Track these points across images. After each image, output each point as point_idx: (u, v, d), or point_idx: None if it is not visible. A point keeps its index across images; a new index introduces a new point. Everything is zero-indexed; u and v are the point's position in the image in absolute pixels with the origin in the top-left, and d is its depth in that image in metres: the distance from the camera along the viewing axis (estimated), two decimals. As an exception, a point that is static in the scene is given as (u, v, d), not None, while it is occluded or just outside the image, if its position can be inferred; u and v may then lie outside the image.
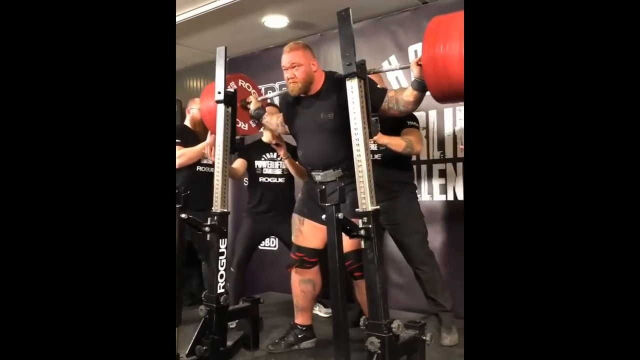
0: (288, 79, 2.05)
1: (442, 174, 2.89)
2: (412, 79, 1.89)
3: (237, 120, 2.47)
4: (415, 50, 3.00)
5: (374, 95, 1.95)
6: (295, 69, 2.02)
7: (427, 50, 1.65)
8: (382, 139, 2.11)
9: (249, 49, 3.80)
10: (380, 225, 1.66)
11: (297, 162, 2.68)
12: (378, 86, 2.00)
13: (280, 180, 2.81)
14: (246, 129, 2.58)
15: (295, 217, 2.23)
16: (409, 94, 1.90)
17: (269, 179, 2.80)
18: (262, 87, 3.77)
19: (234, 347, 2.22)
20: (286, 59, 2.05)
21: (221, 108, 2.20)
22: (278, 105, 2.40)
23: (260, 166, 2.81)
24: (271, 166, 2.81)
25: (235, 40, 3.43)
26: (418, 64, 1.82)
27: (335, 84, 2.02)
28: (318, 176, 2.07)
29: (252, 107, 2.43)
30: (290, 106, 2.20)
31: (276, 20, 3.26)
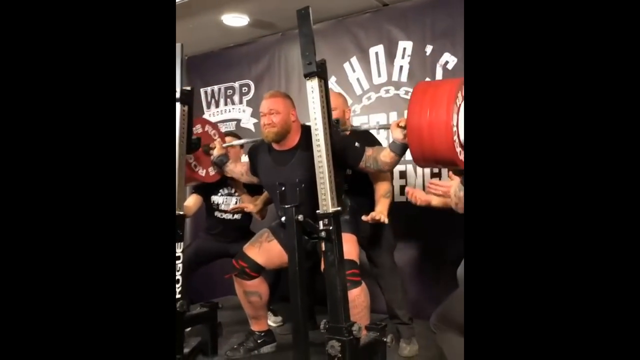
0: (264, 125, 2.03)
1: (403, 175, 2.92)
2: (391, 140, 1.88)
3: (196, 165, 2.42)
4: (376, 52, 3.01)
5: (351, 153, 1.96)
6: (274, 115, 2.01)
7: (413, 117, 1.60)
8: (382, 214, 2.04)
9: (208, 47, 3.72)
10: (339, 227, 1.64)
11: (253, 197, 2.61)
12: (356, 144, 1.98)
13: (237, 216, 2.74)
14: (203, 175, 2.47)
15: (266, 232, 2.19)
16: (386, 155, 1.89)
17: (225, 215, 2.73)
18: (222, 87, 3.72)
19: (191, 354, 2.15)
20: (265, 104, 2.04)
21: (177, 107, 2.13)
22: (247, 154, 2.33)
23: (216, 202, 2.74)
24: (227, 202, 2.74)
25: (193, 38, 3.35)
26: (399, 126, 1.80)
27: (310, 140, 1.79)
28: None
29: (215, 152, 2.38)
30: (262, 159, 2.16)
31: (236, 19, 3.20)
